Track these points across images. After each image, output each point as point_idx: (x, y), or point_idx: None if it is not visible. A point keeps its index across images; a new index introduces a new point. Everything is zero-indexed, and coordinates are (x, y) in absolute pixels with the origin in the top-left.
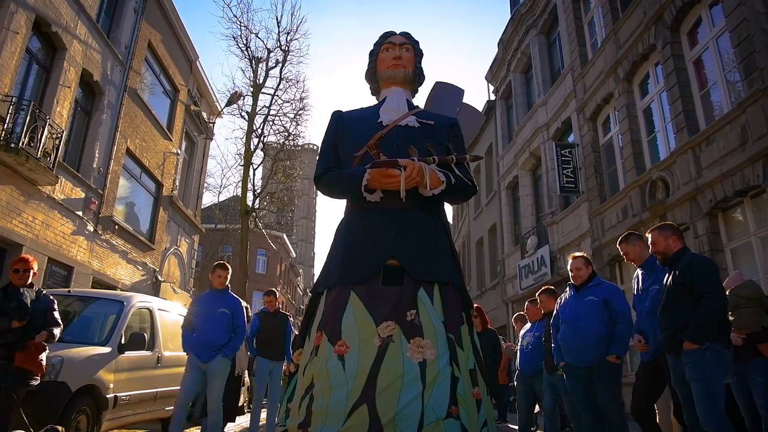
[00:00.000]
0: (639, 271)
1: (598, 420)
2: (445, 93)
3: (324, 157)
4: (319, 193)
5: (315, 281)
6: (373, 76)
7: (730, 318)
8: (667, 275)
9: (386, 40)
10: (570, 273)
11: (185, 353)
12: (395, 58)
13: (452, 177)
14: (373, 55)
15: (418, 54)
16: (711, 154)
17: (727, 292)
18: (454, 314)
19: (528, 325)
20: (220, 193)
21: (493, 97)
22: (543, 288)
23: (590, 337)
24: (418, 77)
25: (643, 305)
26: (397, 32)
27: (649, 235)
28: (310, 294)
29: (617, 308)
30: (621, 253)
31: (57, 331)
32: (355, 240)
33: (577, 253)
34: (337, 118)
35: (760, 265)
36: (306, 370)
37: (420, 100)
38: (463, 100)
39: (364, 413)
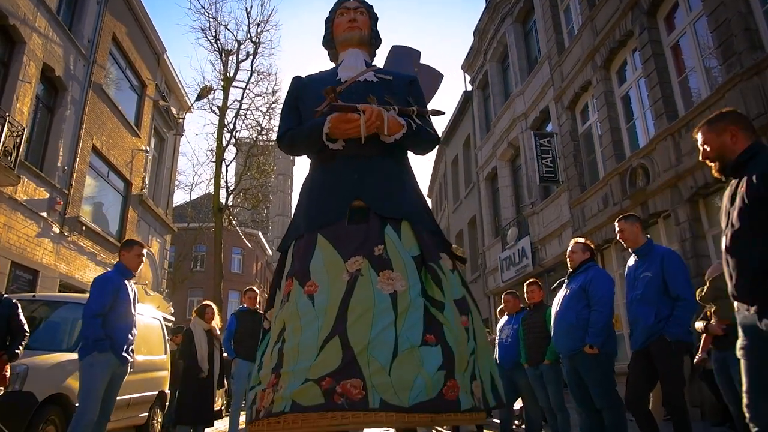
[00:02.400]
0: (632, 259)
1: (594, 417)
2: (403, 54)
3: (285, 119)
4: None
5: (281, 240)
6: (330, 42)
7: (712, 309)
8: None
9: (341, 5)
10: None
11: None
12: (350, 21)
13: (413, 124)
14: (329, 21)
15: (373, 17)
16: (691, 140)
17: (707, 283)
18: (430, 247)
19: (506, 318)
20: (192, 190)
21: (469, 87)
22: (529, 281)
23: (563, 325)
24: (375, 40)
25: (634, 292)
26: None
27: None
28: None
29: (593, 295)
30: (616, 230)
31: (20, 350)
32: (318, 189)
33: (579, 239)
34: (297, 81)
35: None
36: (277, 318)
37: (378, 63)
38: (421, 61)
39: (337, 345)
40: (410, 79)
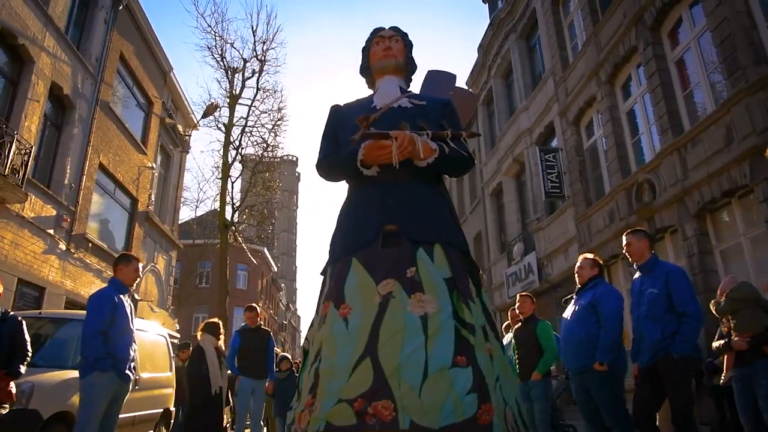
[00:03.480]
0: (637, 275)
1: None
2: (438, 79)
3: (324, 146)
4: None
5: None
6: (366, 70)
7: (731, 322)
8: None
9: (377, 34)
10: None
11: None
12: (386, 49)
13: (446, 147)
14: (366, 50)
15: (408, 45)
16: (697, 154)
17: (723, 297)
18: (460, 270)
19: (509, 335)
20: (197, 207)
21: None
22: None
23: (572, 342)
24: (410, 66)
25: (640, 309)
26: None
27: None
28: (292, 309)
29: (603, 311)
30: (624, 243)
31: (22, 369)
32: (354, 214)
33: (588, 255)
34: (335, 110)
35: (750, 267)
36: (314, 340)
37: (414, 90)
38: (456, 84)
39: (368, 366)
40: (444, 102)
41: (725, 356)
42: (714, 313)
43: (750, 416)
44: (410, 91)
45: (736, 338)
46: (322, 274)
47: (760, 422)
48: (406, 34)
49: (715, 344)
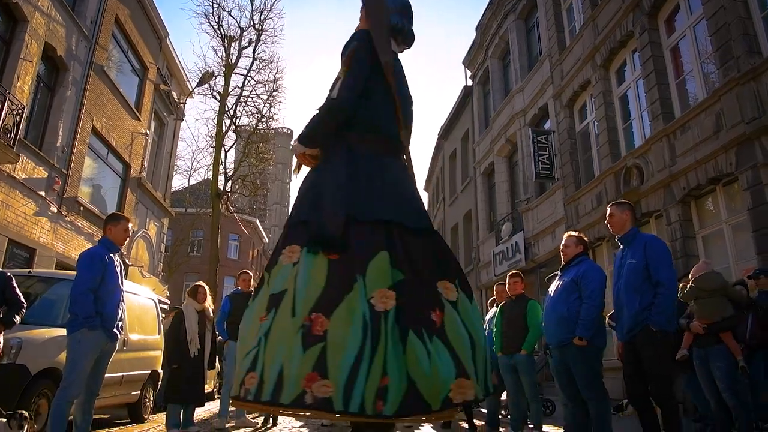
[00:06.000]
0: (619, 250)
1: (579, 408)
2: None
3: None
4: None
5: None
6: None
7: (693, 308)
8: None
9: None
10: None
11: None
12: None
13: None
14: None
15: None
16: (685, 141)
17: (690, 283)
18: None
19: (494, 309)
20: (190, 176)
21: (470, 83)
22: (512, 272)
23: (554, 317)
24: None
25: (620, 281)
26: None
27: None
28: None
29: (585, 288)
30: (607, 214)
31: (17, 319)
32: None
33: (573, 232)
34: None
35: (730, 252)
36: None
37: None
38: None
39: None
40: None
41: (685, 335)
42: (678, 297)
43: (712, 393)
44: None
45: (695, 322)
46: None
47: (722, 398)
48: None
49: (681, 321)
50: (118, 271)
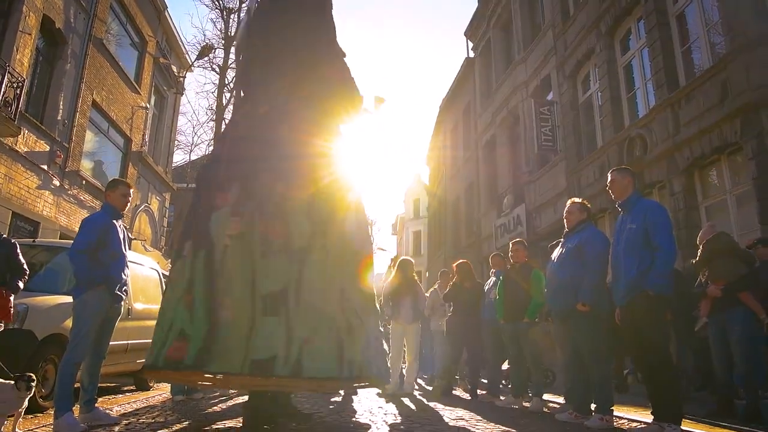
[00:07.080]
0: (620, 217)
1: (580, 375)
2: None
3: None
4: None
5: None
6: None
7: (705, 271)
8: None
9: None
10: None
11: None
12: None
13: None
14: None
15: None
16: (690, 110)
17: (700, 247)
18: None
19: (492, 278)
20: (191, 151)
21: (472, 54)
22: (515, 240)
23: (557, 283)
24: None
25: (618, 246)
26: None
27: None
28: None
29: (588, 254)
30: (608, 180)
31: (20, 284)
32: None
33: (576, 199)
34: None
35: (734, 223)
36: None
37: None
38: None
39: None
40: None
41: (701, 304)
42: (693, 268)
43: (724, 361)
44: None
45: (711, 286)
46: None
47: (733, 367)
48: None
49: (696, 290)
50: (122, 236)
